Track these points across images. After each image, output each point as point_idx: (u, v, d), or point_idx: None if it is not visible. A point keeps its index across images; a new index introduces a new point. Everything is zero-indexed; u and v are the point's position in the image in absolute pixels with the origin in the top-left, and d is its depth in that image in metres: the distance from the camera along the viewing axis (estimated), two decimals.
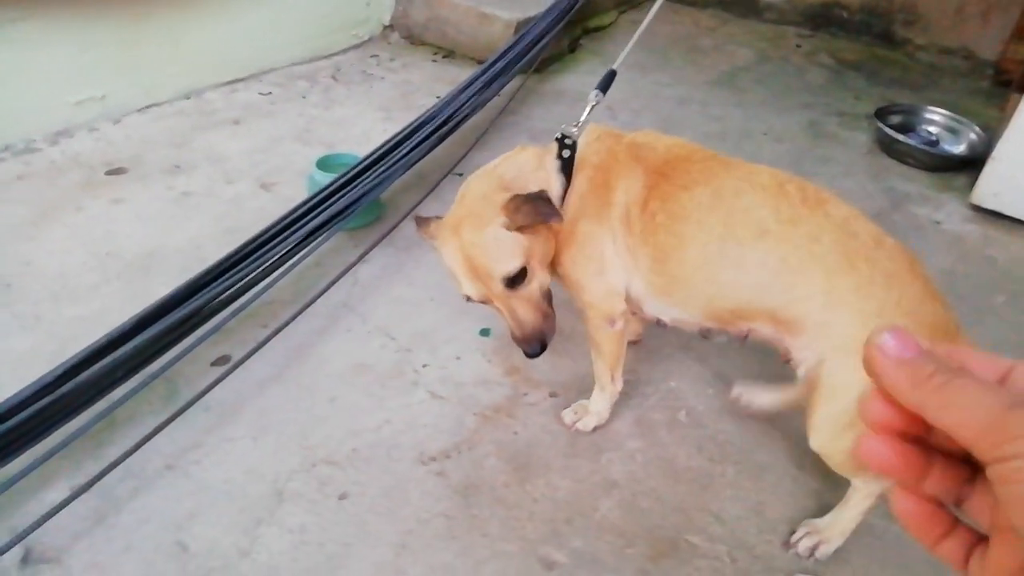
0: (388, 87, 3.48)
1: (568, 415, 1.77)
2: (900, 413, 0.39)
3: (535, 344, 1.41)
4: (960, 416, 0.35)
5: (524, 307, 1.40)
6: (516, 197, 1.37)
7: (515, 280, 1.38)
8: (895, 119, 3.21)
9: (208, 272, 1.90)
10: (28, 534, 1.34)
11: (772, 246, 1.35)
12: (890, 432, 0.40)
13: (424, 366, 1.91)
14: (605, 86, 1.67)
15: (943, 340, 1.27)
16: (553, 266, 1.52)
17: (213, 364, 1.85)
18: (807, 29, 4.51)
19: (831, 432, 1.35)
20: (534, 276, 1.41)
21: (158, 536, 1.44)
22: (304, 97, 3.31)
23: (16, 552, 1.36)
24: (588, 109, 1.57)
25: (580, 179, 1.51)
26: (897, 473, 0.40)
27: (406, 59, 3.80)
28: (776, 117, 3.38)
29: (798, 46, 4.28)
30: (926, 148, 3.02)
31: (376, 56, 3.82)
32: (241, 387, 1.78)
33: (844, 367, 1.28)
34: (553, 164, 1.51)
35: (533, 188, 1.42)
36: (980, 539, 0.39)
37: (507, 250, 1.36)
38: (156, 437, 1.56)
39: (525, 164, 1.52)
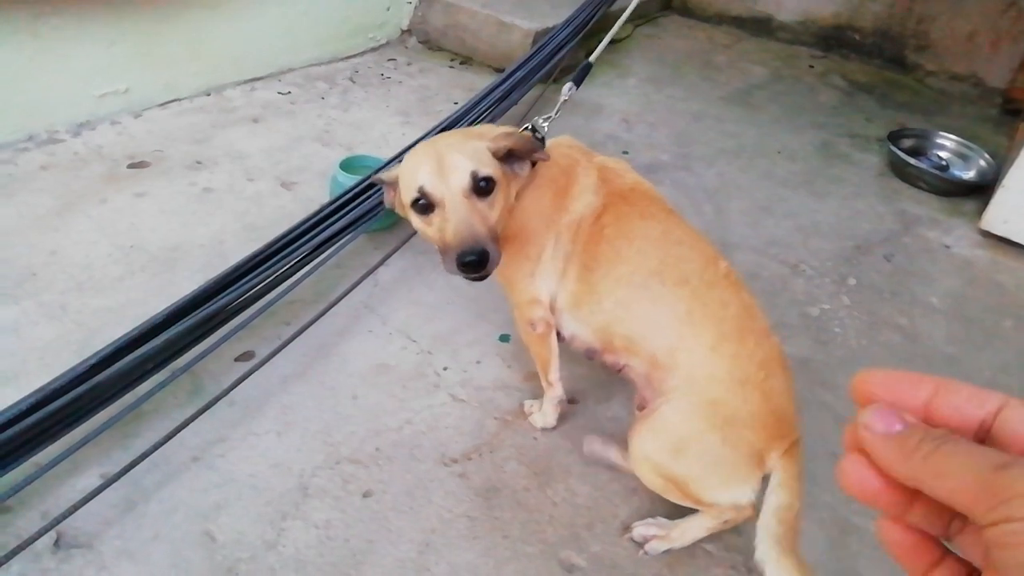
0: (406, 91, 3.51)
1: (527, 405, 1.84)
2: (888, 487, 0.39)
3: (472, 247, 1.26)
4: (952, 484, 0.34)
5: (474, 215, 1.31)
6: (502, 132, 1.40)
7: (483, 187, 1.33)
8: (907, 143, 3.26)
9: (233, 271, 1.92)
10: (61, 520, 1.36)
11: (687, 296, 1.43)
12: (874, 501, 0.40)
13: (445, 369, 1.94)
14: (579, 80, 1.72)
15: (779, 435, 1.35)
16: None
17: (237, 360, 1.87)
18: (820, 50, 4.58)
19: (654, 453, 1.40)
20: (496, 201, 1.37)
21: (186, 526, 1.46)
22: (323, 98, 3.34)
23: (49, 537, 1.38)
24: (560, 102, 1.62)
25: (542, 175, 1.52)
26: (879, 503, 0.40)
27: (423, 64, 3.84)
28: (789, 136, 3.42)
29: (811, 66, 4.34)
30: (937, 172, 3.07)
31: (393, 60, 3.86)
32: (265, 383, 1.80)
33: (681, 407, 1.37)
34: None
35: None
36: (972, 571, 0.38)
37: (484, 158, 1.36)
38: (182, 430, 1.58)
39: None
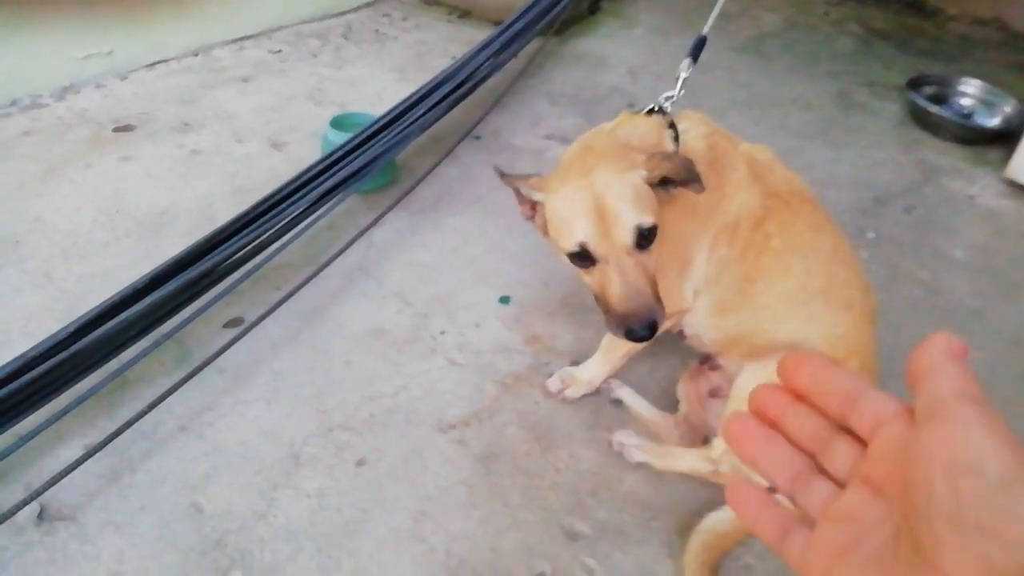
0: (401, 47, 3.38)
1: (553, 383, 1.71)
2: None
3: (645, 320, 1.15)
4: None
5: (640, 275, 1.18)
6: (659, 153, 1.24)
7: (646, 238, 1.18)
8: (928, 90, 3.10)
9: (220, 232, 1.84)
10: (44, 491, 1.31)
11: (847, 321, 1.36)
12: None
13: (442, 332, 1.86)
14: (696, 53, 1.59)
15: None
16: None
17: (225, 326, 1.80)
18: None
19: None
20: (656, 246, 1.22)
21: (173, 497, 1.40)
22: (315, 56, 3.22)
23: (32, 509, 1.32)
24: (681, 80, 1.49)
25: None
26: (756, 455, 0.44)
27: (420, 19, 3.70)
28: (804, 85, 3.27)
29: (826, 13, 4.15)
30: (960, 120, 2.92)
31: (388, 15, 3.72)
32: (255, 349, 1.73)
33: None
34: (670, 142, 1.36)
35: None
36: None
37: (646, 202, 1.19)
38: (169, 398, 1.51)
39: (645, 133, 1.36)
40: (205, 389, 1.62)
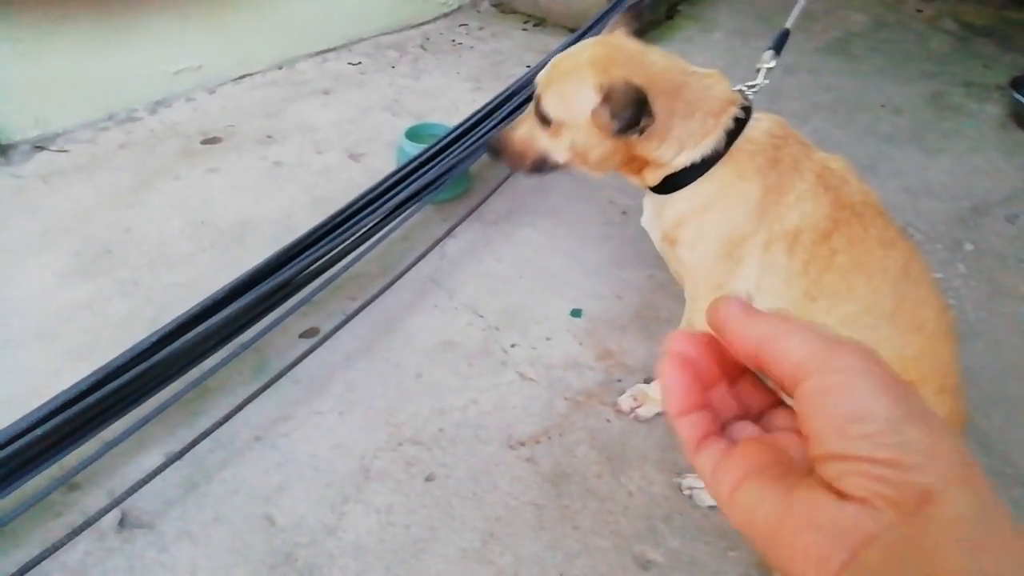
0: (477, 56, 3.39)
1: (626, 401, 1.66)
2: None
3: (492, 149, 1.47)
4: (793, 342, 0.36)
5: (525, 136, 1.40)
6: (628, 83, 1.21)
7: (544, 118, 1.34)
8: None
9: (297, 244, 1.88)
10: (125, 498, 1.36)
11: (918, 344, 1.27)
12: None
13: (513, 346, 1.84)
14: (779, 46, 1.53)
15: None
16: (670, 234, 1.39)
17: (301, 336, 1.84)
18: None
19: None
20: (559, 133, 1.34)
21: (247, 508, 1.43)
22: (393, 67, 3.26)
23: (114, 515, 1.38)
24: (763, 71, 1.43)
25: (745, 161, 1.29)
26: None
27: (495, 28, 3.71)
28: (895, 87, 3.10)
29: (919, 11, 3.93)
30: None
31: (465, 25, 3.73)
32: (329, 360, 1.76)
33: None
34: (728, 121, 1.30)
35: (697, 114, 1.28)
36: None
37: (568, 95, 1.29)
38: (245, 408, 1.55)
39: (706, 88, 1.30)
40: (280, 399, 1.65)
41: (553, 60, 1.35)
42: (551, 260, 2.11)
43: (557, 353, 1.82)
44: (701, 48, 3.47)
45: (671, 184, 1.33)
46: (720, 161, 1.29)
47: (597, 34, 2.89)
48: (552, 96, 1.32)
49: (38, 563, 1.26)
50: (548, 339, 1.86)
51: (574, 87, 1.28)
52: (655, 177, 1.35)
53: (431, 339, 1.85)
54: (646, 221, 1.49)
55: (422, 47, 3.48)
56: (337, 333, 1.75)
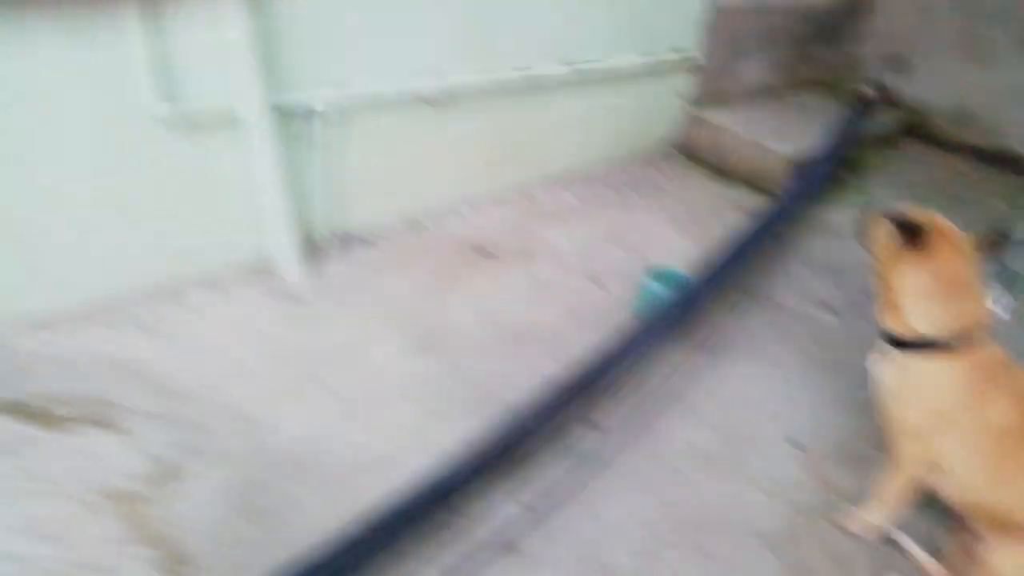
0: (674, 201, 4.08)
1: (843, 519, 2.17)
2: None
3: None
4: None
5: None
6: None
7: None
8: None
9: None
10: None
11: None
12: None
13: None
14: (1004, 279, 2.23)
15: None
16: (900, 395, 1.93)
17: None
18: None
19: None
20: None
21: None
22: (606, 202, 3.98)
23: None
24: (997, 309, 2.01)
25: (963, 362, 1.82)
26: None
27: (684, 175, 4.41)
28: None
29: None
30: None
31: (659, 169, 4.46)
32: (603, 450, 2.37)
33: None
34: (982, 301, 1.87)
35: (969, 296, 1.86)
36: None
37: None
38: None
39: (965, 273, 1.87)
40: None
41: None
42: (762, 392, 2.70)
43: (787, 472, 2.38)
44: None
45: None
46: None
47: (794, 202, 3.56)
48: None
49: None
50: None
51: None
52: None
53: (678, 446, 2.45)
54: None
55: (628, 186, 4.20)
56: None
